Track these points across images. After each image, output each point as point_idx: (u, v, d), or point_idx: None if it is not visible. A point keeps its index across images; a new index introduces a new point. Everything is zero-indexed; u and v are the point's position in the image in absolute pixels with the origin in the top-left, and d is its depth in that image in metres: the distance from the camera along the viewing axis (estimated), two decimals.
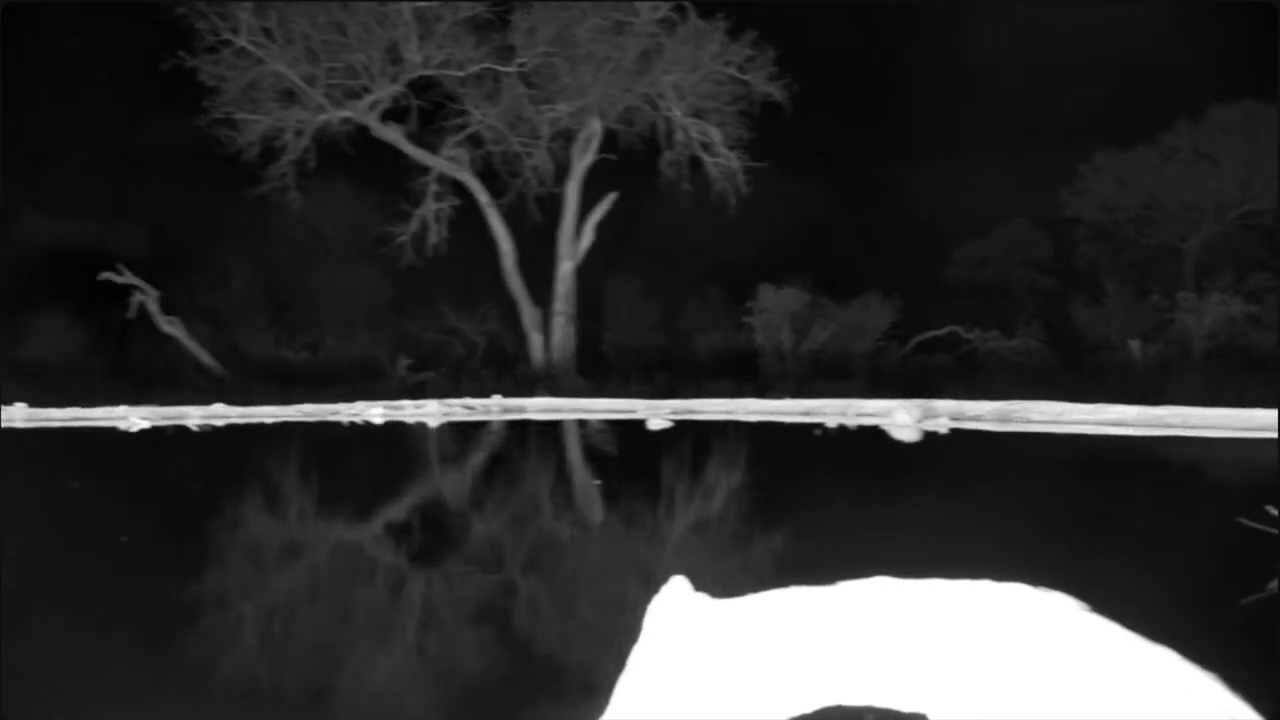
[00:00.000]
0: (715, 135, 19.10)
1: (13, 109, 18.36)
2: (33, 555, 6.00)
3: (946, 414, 12.33)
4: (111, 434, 12.73)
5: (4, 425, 13.40)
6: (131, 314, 19.24)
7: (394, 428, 13.29)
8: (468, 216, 19.49)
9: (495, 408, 14.65)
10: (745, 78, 18.79)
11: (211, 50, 18.00)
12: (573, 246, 19.47)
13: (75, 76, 18.49)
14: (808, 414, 13.02)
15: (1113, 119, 20.07)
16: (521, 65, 18.74)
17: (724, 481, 9.09)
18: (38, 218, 20.09)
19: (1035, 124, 20.10)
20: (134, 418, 13.50)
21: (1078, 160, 21.06)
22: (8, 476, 9.88)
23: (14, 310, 19.57)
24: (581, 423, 13.69)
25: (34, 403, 14.15)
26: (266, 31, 18.18)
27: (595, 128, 19.14)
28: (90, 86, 18.66)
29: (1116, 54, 19.38)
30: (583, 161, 19.30)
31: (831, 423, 12.42)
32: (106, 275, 18.93)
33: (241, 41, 18.06)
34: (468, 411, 14.50)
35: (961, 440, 11.10)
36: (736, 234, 19.41)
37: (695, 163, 19.35)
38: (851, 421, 12.50)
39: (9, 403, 14.02)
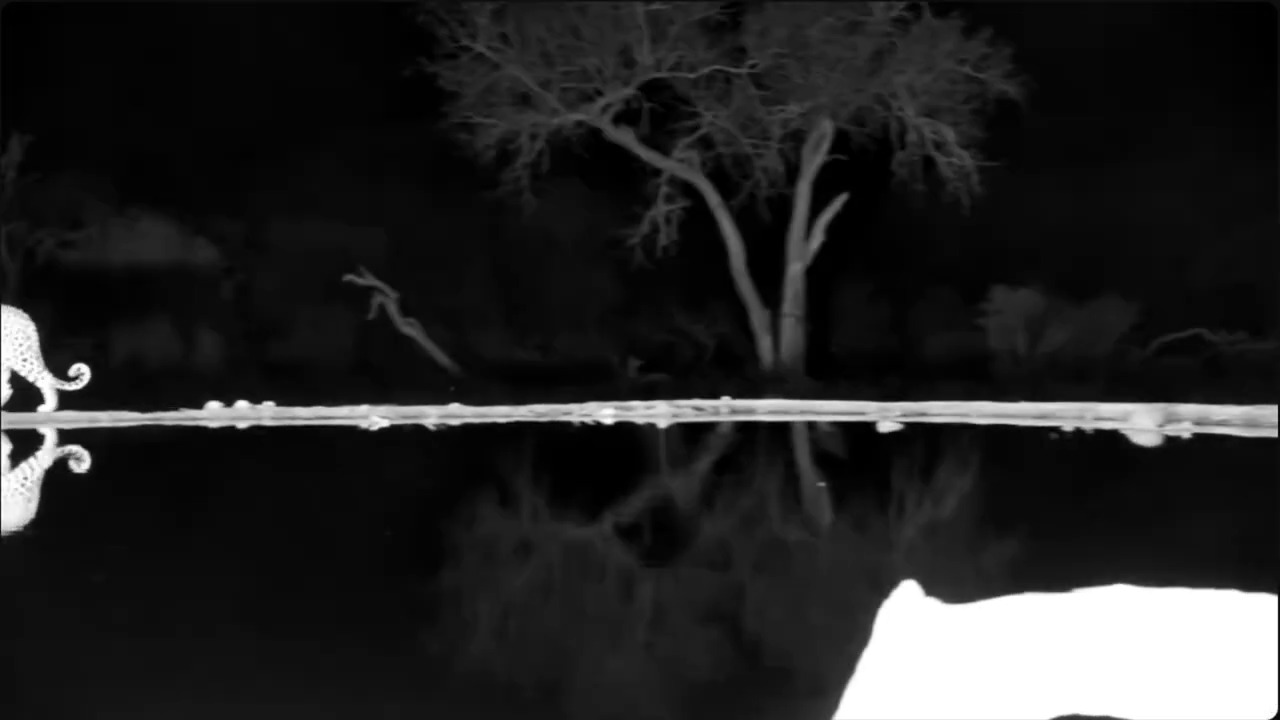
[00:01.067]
0: (949, 135, 18.80)
1: (267, 117, 19.15)
2: (289, 549, 6.22)
3: (1190, 418, 11.88)
4: (353, 432, 13.12)
5: (254, 422, 13.92)
6: (372, 315, 19.80)
7: (624, 428, 13.41)
8: (698, 218, 19.56)
9: (724, 409, 14.67)
10: (981, 76, 18.45)
11: (451, 56, 18.44)
12: (803, 247, 19.38)
13: (322, 84, 19.11)
14: (1043, 417, 12.71)
15: None
16: (753, 66, 18.74)
17: (956, 485, 8.95)
18: (287, 221, 20.85)
19: None
20: (375, 416, 13.89)
21: None
22: (263, 472, 10.28)
23: (267, 310, 20.37)
24: (810, 424, 13.62)
25: (281, 401, 14.66)
26: (504, 37, 18.56)
27: (826, 128, 19.03)
28: (334, 94, 19.28)
29: None
30: (814, 162, 19.20)
31: (1068, 426, 12.10)
32: (349, 277, 19.52)
33: (480, 47, 18.47)
34: (697, 413, 14.55)
35: (1206, 445, 10.71)
36: (969, 234, 19.06)
37: (928, 162, 19.08)
38: (1089, 425, 12.16)
39: (258, 401, 14.55)
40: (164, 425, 13.51)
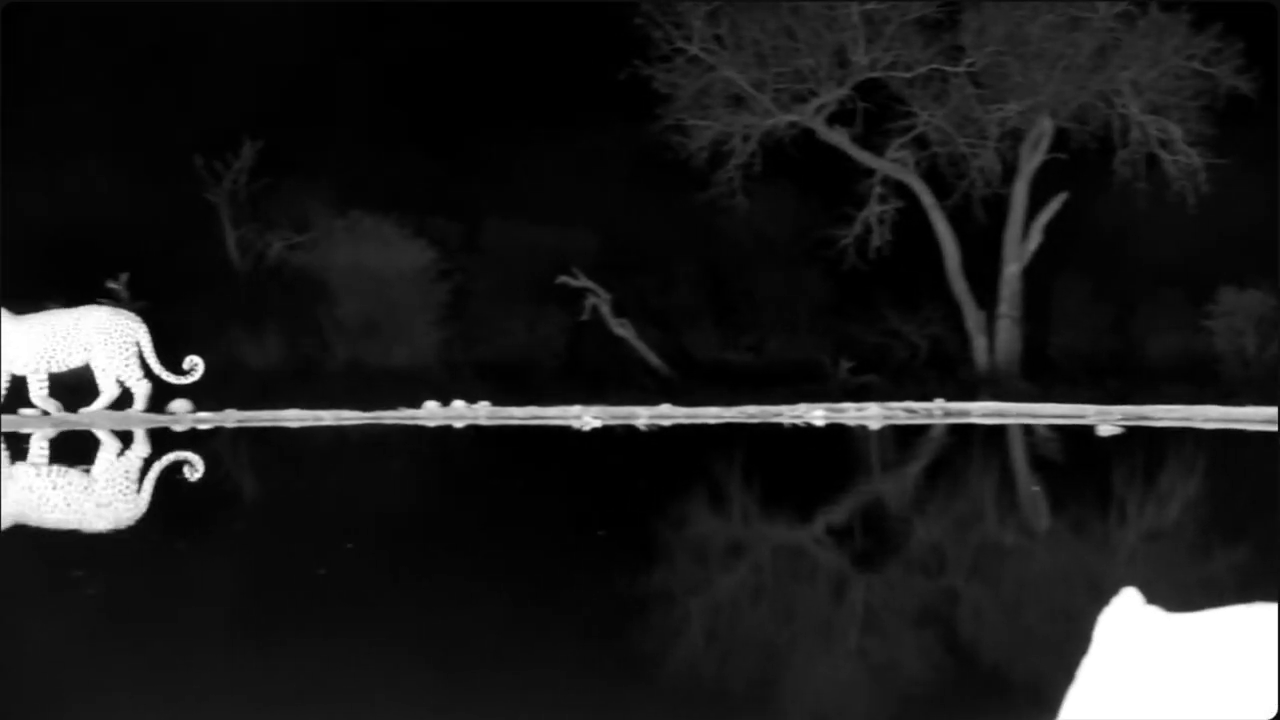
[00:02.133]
0: (1175, 132, 18.22)
1: (484, 119, 19.53)
2: (504, 547, 6.33)
3: None
4: (565, 432, 13.29)
5: (470, 422, 14.19)
6: (585, 316, 20.01)
7: (835, 430, 13.33)
8: (911, 218, 19.32)
9: (937, 411, 14.45)
10: (1210, 71, 17.85)
11: (665, 58, 18.54)
12: (1020, 248, 19.00)
13: (538, 86, 19.42)
14: (1272, 422, 12.22)
15: None
16: (970, 65, 18.43)
17: (1179, 490, 8.68)
18: (503, 223, 21.20)
19: None
20: (587, 417, 14.04)
21: None
22: (480, 470, 10.49)
23: (482, 311, 20.76)
24: (1027, 428, 13.35)
25: (496, 401, 14.92)
26: (718, 39, 18.59)
27: (1046, 127, 18.62)
28: (550, 96, 19.56)
29: None
30: (1032, 161, 18.80)
31: None
32: (563, 279, 19.76)
33: (694, 49, 18.53)
34: (909, 415, 14.37)
35: None
36: (1195, 234, 18.43)
37: (1151, 160, 18.53)
38: None
39: (474, 400, 14.84)
40: (384, 424, 13.88)
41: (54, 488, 8.71)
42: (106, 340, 13.41)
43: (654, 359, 19.98)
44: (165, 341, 18.20)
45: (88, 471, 9.85)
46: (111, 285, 18.10)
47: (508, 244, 21.07)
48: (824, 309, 21.02)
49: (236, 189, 20.35)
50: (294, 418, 14.04)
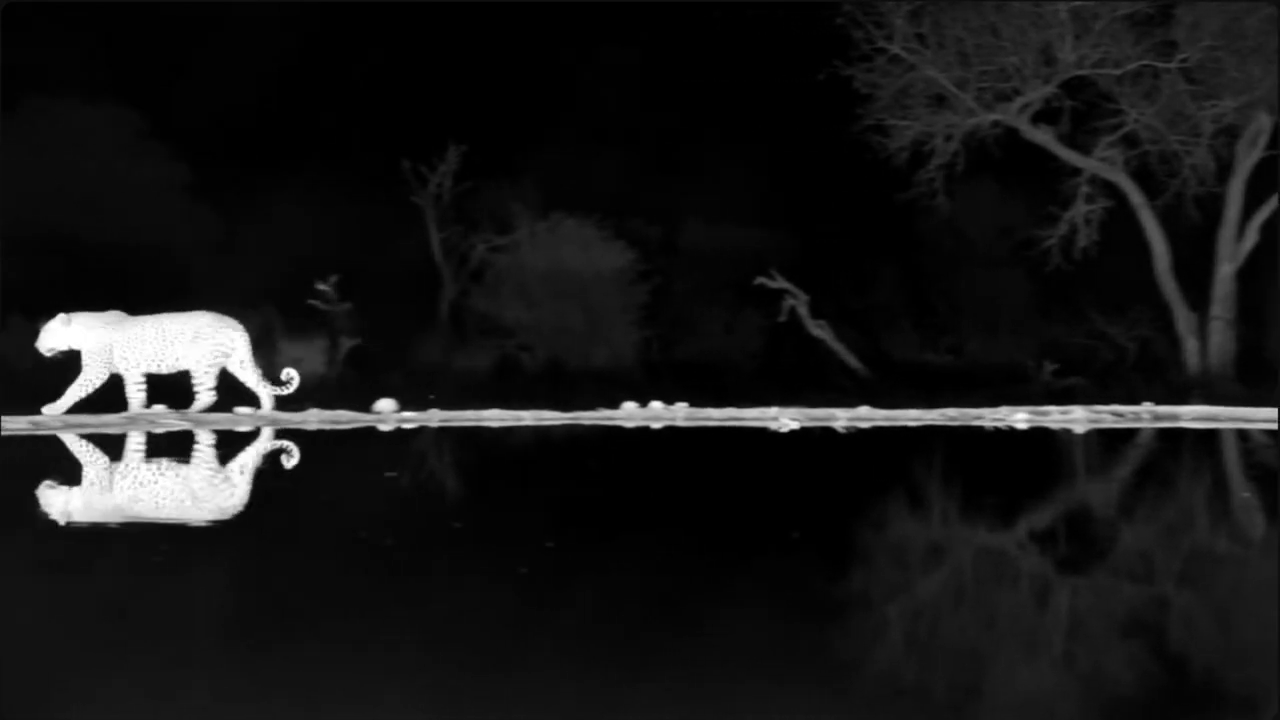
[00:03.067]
0: None
1: (682, 121, 19.60)
2: (702, 549, 6.36)
3: None
4: (762, 434, 13.26)
5: (668, 423, 14.25)
6: (783, 317, 19.96)
7: (1038, 434, 13.05)
8: (1118, 218, 18.84)
9: (1145, 415, 14.06)
10: None
11: (866, 58, 18.38)
12: (1234, 248, 18.37)
13: (736, 87, 19.43)
14: None
15: None
16: (1183, 61, 17.89)
17: None
18: (701, 224, 21.28)
19: None
20: (784, 418, 13.99)
21: None
22: (679, 471, 10.54)
23: (680, 312, 20.85)
24: (1241, 433, 12.90)
25: (694, 402, 14.96)
26: (920, 38, 18.36)
27: (1264, 123, 17.96)
28: (748, 98, 19.55)
29: None
30: (1249, 159, 18.16)
31: None
32: (761, 280, 19.74)
33: (896, 48, 18.34)
34: (1116, 419, 14.00)
35: None
36: None
37: None
38: None
39: (671, 402, 14.89)
40: (582, 425, 14.02)
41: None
42: (199, 345, 13.63)
43: (852, 360, 19.83)
44: (370, 341, 18.75)
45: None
46: (321, 287, 18.65)
47: (706, 245, 21.13)
48: (1027, 310, 20.64)
49: (441, 192, 20.79)
50: (495, 418, 14.27)
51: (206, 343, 13.57)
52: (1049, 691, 3.82)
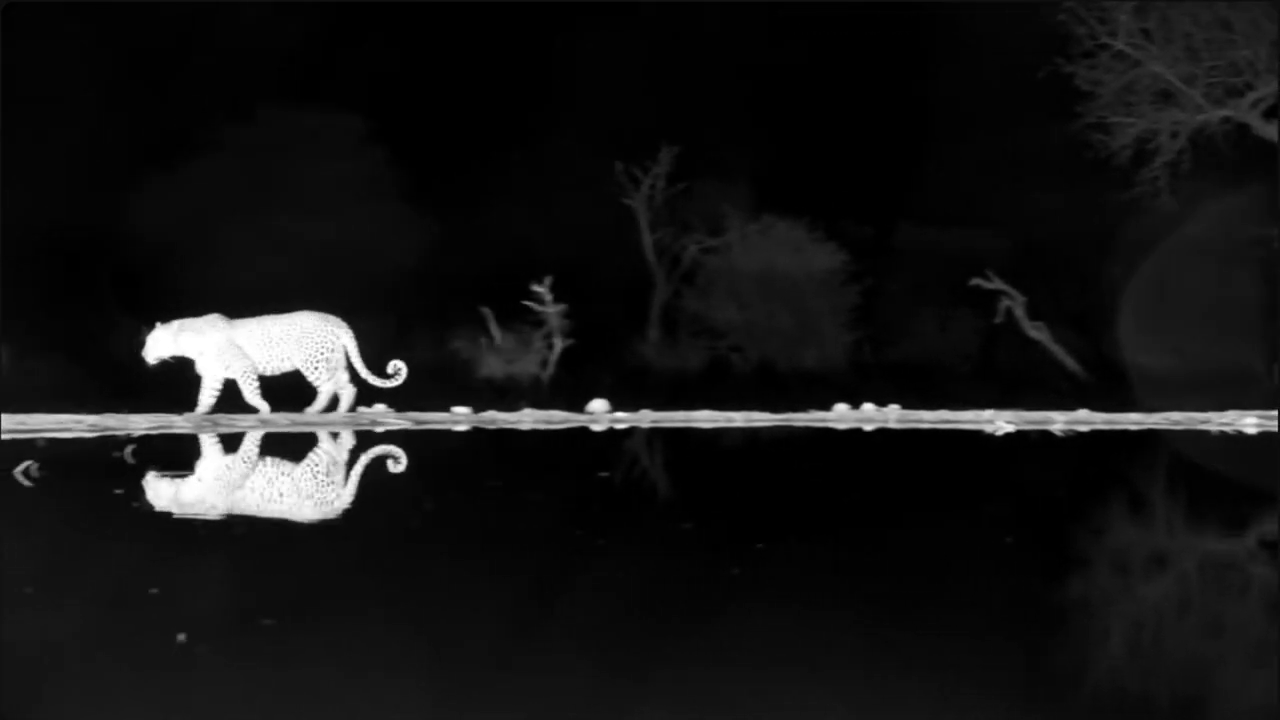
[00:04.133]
0: None
1: (890, 121, 19.39)
2: (911, 550, 6.28)
3: None
4: (977, 436, 13.05)
5: (879, 425, 14.13)
6: (999, 319, 19.61)
7: (1268, 439, 12.57)
8: None
9: None
10: None
11: (1088, 55, 17.94)
12: None
13: (950, 86, 19.13)
14: None
15: None
16: None
17: None
18: (914, 225, 21.02)
19: None
20: (1000, 421, 13.75)
21: None
22: (890, 473, 10.43)
23: (892, 313, 20.64)
24: None
25: (906, 404, 14.81)
26: (1145, 33, 17.84)
27: None
28: (963, 97, 19.24)
29: None
30: None
31: None
32: (976, 281, 19.43)
33: (1120, 44, 17.85)
34: None
35: None
36: None
37: None
38: None
39: (883, 404, 14.77)
40: (793, 426, 13.98)
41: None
42: (307, 345, 13.82)
43: (1071, 363, 19.38)
44: (582, 342, 18.96)
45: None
46: (536, 288, 18.93)
47: (919, 246, 20.87)
48: (1256, 311, 19.88)
49: (654, 194, 20.92)
50: (705, 418, 14.32)
51: (313, 342, 13.82)
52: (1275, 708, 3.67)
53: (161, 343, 13.36)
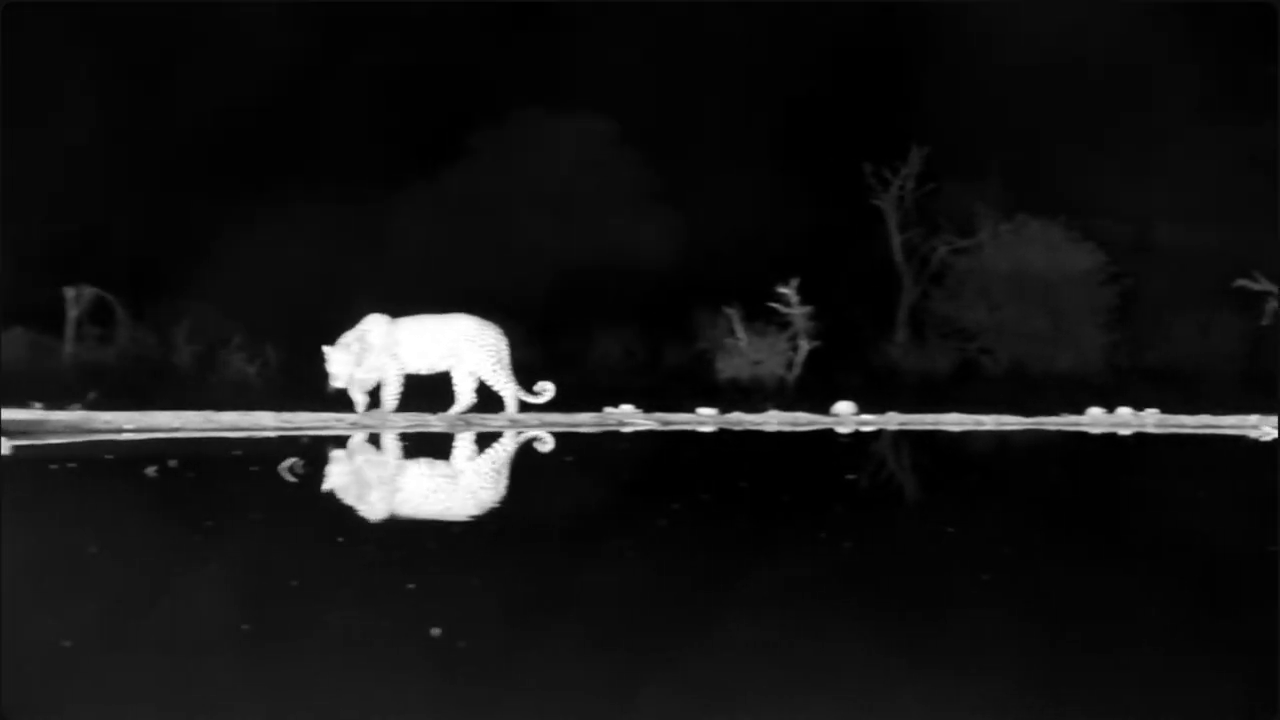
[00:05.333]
0: None
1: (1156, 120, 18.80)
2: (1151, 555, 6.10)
3: None
4: (1239, 442, 12.57)
5: (1136, 429, 13.74)
6: (1266, 321, 18.86)
7: None
8: None
9: None
10: None
11: None
12: None
13: (1201, 82, 18.48)
14: None
15: None
16: None
17: None
18: (1175, 224, 20.36)
19: None
20: (1265, 427, 13.21)
21: None
22: (1141, 482, 10.14)
23: (1151, 315, 20.02)
24: None
25: (1166, 409, 14.37)
26: None
27: None
28: (1219, 91, 18.56)
29: None
30: None
31: None
32: (1241, 282, 18.72)
33: None
34: None
35: None
36: None
37: None
38: None
39: (1141, 408, 14.36)
40: (1045, 430, 13.68)
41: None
42: (477, 349, 13.92)
43: None
44: (828, 343, 18.87)
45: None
46: (782, 290, 18.93)
47: (1180, 246, 20.17)
48: None
49: (903, 194, 20.72)
50: (954, 421, 14.13)
51: (477, 345, 13.93)
52: None
53: (342, 363, 13.65)
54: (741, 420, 14.08)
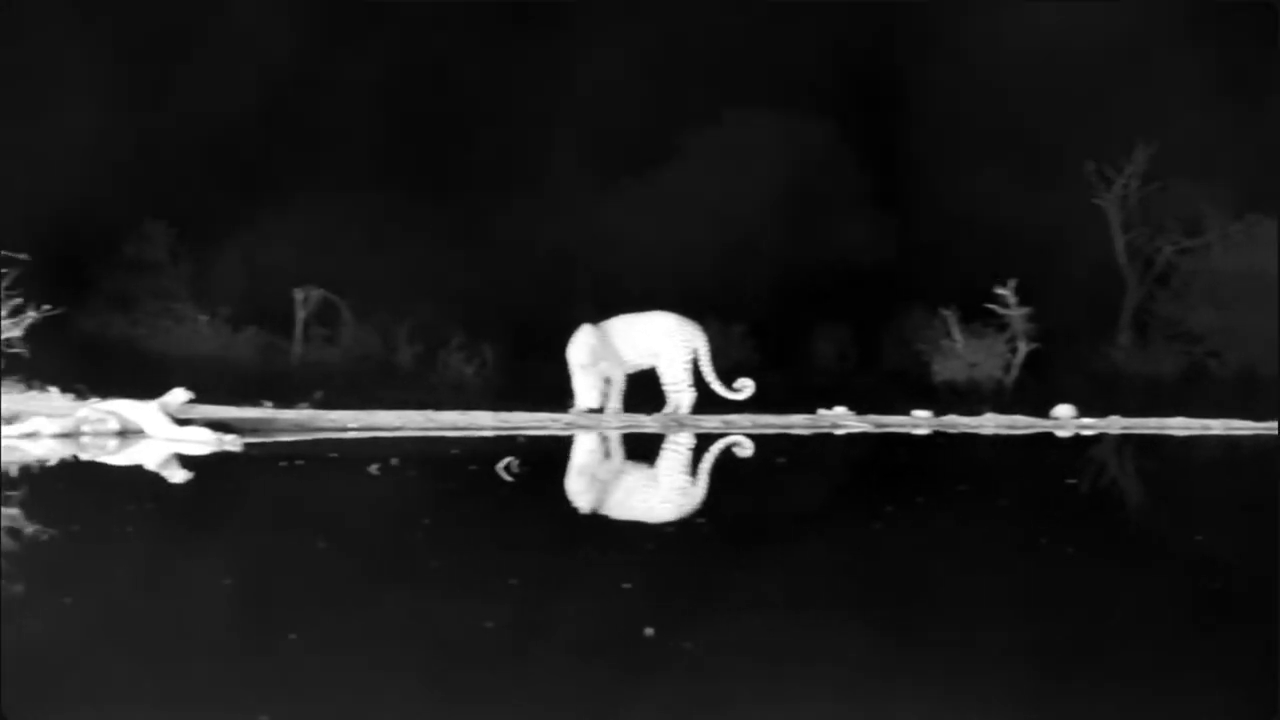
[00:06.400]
0: None
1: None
2: None
3: None
4: None
5: None
6: None
7: None
8: None
9: None
10: None
11: None
12: None
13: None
14: None
15: None
16: None
17: None
18: None
19: None
20: None
21: None
22: None
23: None
24: None
25: None
26: None
27: None
28: None
29: None
30: None
31: None
32: None
33: None
34: None
35: None
36: None
37: None
38: None
39: None
40: (1276, 436, 13.23)
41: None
42: (673, 346, 13.84)
43: None
44: (1047, 345, 18.52)
45: None
46: (1000, 291, 18.64)
47: None
48: None
49: (1127, 193, 20.23)
50: (1180, 426, 13.74)
51: (677, 341, 13.88)
52: None
53: (589, 386, 13.68)
54: (957, 423, 13.89)
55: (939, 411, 14.40)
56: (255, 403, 12.36)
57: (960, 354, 19.05)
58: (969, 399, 16.41)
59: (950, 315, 19.14)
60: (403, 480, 8.47)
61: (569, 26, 19.69)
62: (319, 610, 4.33)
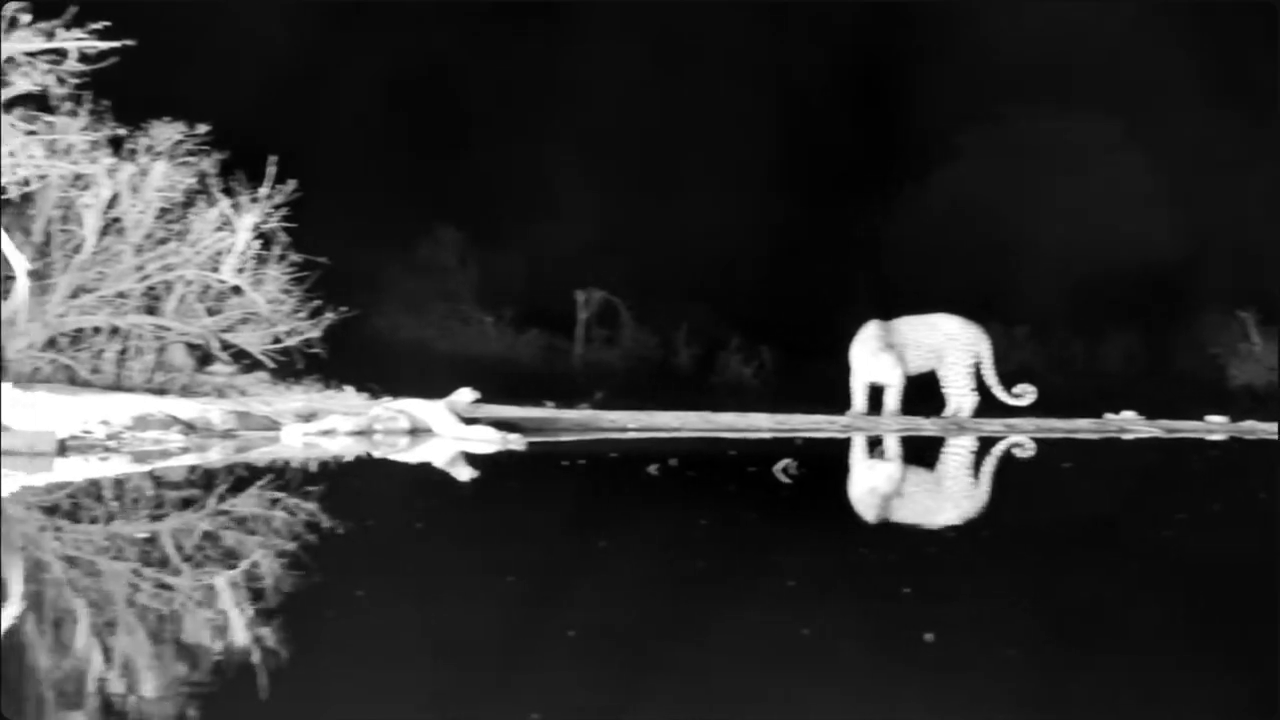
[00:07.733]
0: None
1: None
2: None
3: None
4: None
5: None
6: None
7: None
8: None
9: None
10: None
11: None
12: None
13: None
14: None
15: None
16: None
17: None
18: None
19: None
20: None
21: None
22: None
23: None
24: None
25: None
26: None
27: None
28: None
29: None
30: None
31: None
32: None
33: None
34: None
35: None
36: None
37: None
38: None
39: None
40: None
41: None
42: (956, 349, 13.67)
43: None
44: None
45: None
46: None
47: None
48: None
49: None
50: None
51: (960, 344, 13.62)
52: None
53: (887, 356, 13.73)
54: (1255, 429, 13.30)
55: (1235, 417, 13.82)
56: (538, 403, 12.65)
57: (1259, 357, 18.25)
58: (1268, 404, 15.66)
59: (1248, 317, 18.36)
60: (681, 481, 8.53)
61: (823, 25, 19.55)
62: (598, 610, 4.38)
